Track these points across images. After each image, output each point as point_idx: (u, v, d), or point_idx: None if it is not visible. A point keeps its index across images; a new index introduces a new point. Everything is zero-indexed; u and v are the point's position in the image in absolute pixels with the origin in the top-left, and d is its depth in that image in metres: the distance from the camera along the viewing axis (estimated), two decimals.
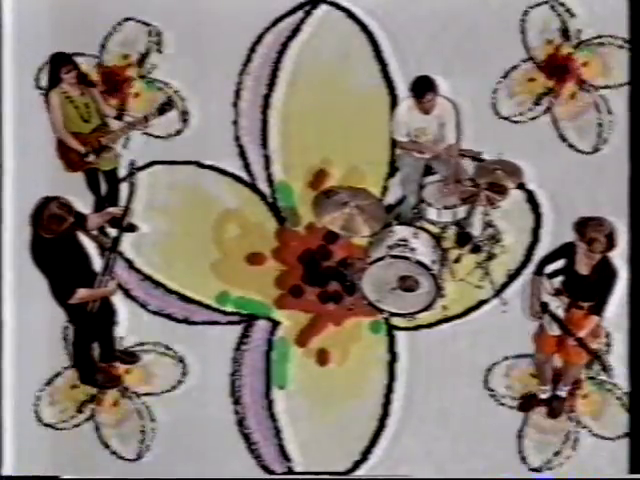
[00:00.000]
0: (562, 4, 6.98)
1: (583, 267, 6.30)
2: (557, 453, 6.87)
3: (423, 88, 6.67)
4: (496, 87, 7.01)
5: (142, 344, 7.02)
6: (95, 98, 6.92)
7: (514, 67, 7.00)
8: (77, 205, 6.65)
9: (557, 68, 6.99)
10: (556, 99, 7.00)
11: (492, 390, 6.90)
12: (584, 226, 6.24)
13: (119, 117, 7.03)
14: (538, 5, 6.98)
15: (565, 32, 6.98)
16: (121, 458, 6.97)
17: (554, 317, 6.41)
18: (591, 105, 7.00)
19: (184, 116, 7.09)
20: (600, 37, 6.97)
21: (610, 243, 6.22)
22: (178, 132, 7.11)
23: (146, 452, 6.97)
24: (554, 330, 6.47)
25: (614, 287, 6.41)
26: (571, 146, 7.00)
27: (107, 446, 6.98)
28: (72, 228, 6.35)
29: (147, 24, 7.07)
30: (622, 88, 6.96)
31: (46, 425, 6.99)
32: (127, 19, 7.07)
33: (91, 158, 6.90)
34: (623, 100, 6.96)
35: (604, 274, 6.30)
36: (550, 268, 6.54)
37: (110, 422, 6.99)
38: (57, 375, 7.00)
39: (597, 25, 6.97)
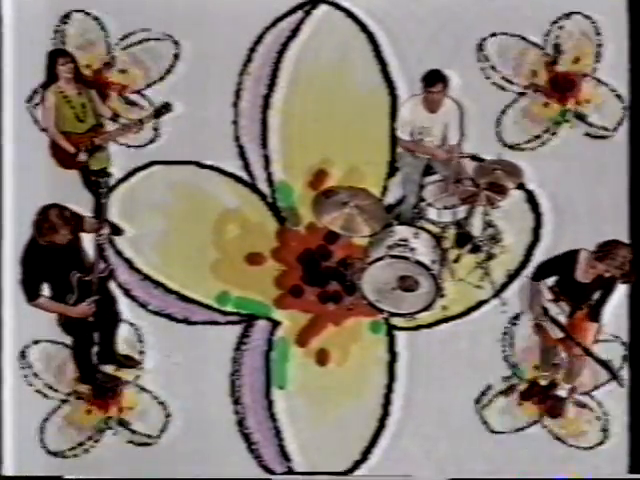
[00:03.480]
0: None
1: (584, 276, 6.28)
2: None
3: (434, 78, 6.69)
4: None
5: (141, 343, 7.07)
6: (92, 98, 6.91)
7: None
8: (76, 206, 6.72)
9: (560, 89, 7.01)
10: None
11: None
12: (614, 249, 6.18)
13: (115, 118, 7.02)
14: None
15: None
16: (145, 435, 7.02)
17: (557, 324, 6.43)
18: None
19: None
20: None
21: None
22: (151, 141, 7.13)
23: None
24: (557, 334, 6.49)
25: (612, 294, 6.41)
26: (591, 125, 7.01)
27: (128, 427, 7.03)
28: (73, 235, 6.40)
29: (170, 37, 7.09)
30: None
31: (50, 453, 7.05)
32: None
33: (82, 157, 6.89)
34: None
35: (605, 285, 6.30)
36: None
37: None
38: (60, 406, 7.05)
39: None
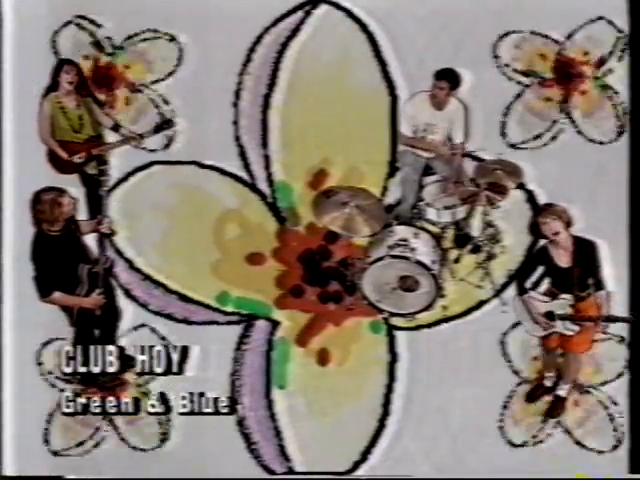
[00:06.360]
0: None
1: (563, 260, 6.44)
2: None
3: (442, 75, 6.79)
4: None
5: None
6: (91, 109, 6.94)
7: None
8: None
9: (566, 76, 6.98)
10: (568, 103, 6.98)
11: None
12: (543, 217, 6.58)
13: (115, 128, 7.01)
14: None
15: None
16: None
17: (568, 318, 6.47)
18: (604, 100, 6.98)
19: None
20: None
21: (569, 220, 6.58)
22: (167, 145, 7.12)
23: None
24: (573, 329, 6.53)
25: (599, 258, 6.49)
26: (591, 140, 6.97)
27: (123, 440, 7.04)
28: (73, 225, 6.47)
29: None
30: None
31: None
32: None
33: (77, 160, 6.91)
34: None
35: (585, 255, 6.44)
36: (531, 280, 6.64)
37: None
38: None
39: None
